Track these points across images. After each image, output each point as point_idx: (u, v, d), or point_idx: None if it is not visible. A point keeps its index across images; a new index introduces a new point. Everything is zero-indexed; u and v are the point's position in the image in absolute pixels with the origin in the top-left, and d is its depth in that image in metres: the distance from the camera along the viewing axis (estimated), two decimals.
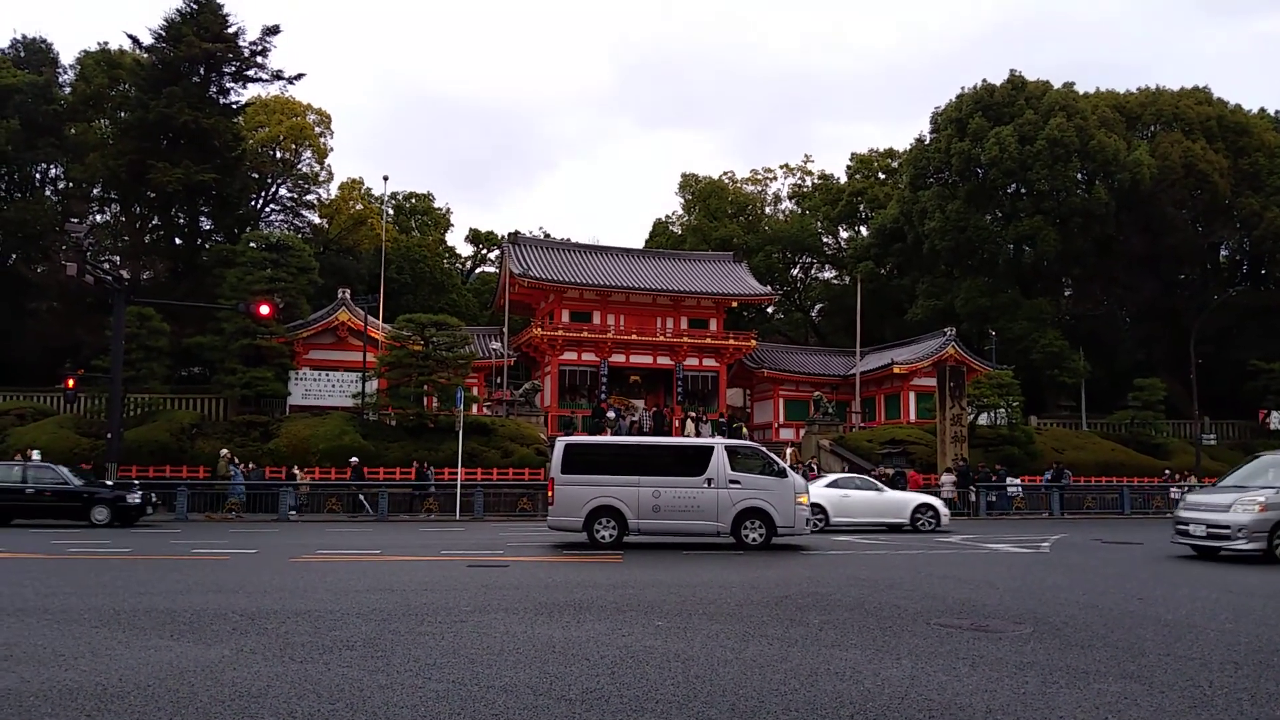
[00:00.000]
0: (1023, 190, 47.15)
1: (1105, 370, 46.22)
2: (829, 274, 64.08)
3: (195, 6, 40.91)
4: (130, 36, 44.74)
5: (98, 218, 44.26)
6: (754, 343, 46.51)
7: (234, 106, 43.41)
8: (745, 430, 41.03)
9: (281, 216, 49.62)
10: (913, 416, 43.16)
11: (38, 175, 45.72)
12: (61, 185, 45.85)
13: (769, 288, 51.85)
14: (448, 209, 64.03)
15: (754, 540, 16.55)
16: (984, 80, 49.01)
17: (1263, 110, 53.05)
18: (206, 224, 44.86)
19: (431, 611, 8.91)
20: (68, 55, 48.19)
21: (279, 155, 49.77)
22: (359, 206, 53.86)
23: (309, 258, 36.86)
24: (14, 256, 43.19)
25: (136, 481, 25.97)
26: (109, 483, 24.64)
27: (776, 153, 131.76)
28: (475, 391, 38.72)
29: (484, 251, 67.16)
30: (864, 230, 59.98)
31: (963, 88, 50.28)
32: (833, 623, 8.44)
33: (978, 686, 5.96)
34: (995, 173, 45.92)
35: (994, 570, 13.34)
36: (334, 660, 6.63)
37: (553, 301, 44.42)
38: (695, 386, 45.32)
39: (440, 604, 9.45)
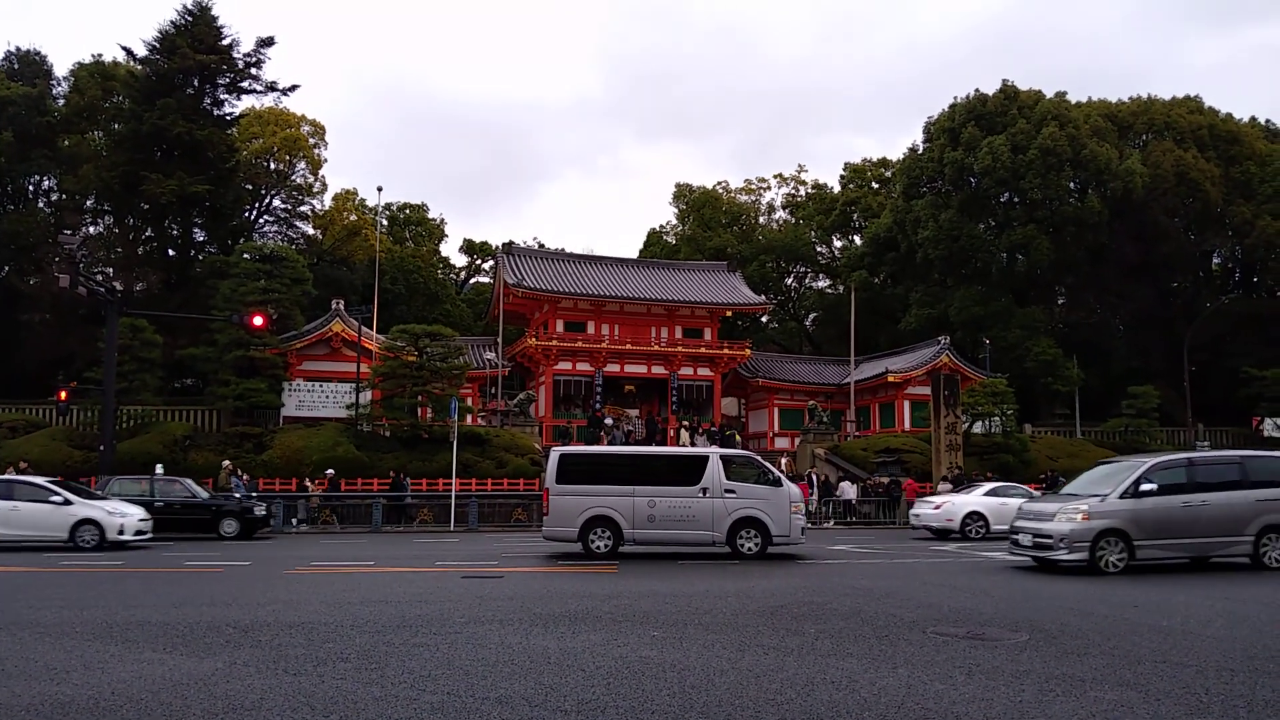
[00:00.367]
0: (1016, 199, 47.34)
1: (1099, 378, 46.33)
2: (823, 283, 64.23)
3: (189, 18, 40.98)
4: (124, 48, 44.91)
5: (91, 229, 44.19)
6: (748, 352, 46.53)
7: (228, 118, 43.45)
8: (738, 438, 40.99)
9: (275, 228, 49.63)
10: (907, 425, 43.19)
11: (31, 187, 45.66)
12: (55, 197, 45.79)
13: (763, 297, 51.92)
14: (442, 220, 64.17)
15: (750, 550, 16.52)
16: (976, 90, 49.34)
17: (1253, 119, 53.40)
18: (200, 235, 44.85)
19: (426, 623, 8.87)
20: (62, 67, 48.39)
21: (273, 166, 49.78)
22: (353, 217, 53.87)
23: (303, 269, 36.82)
24: (7, 268, 43.07)
25: (254, 495, 26.29)
26: (237, 495, 25.21)
27: (771, 163, 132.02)
28: (470, 402, 38.67)
29: (478, 262, 67.23)
30: (858, 239, 60.15)
31: (955, 98, 50.54)
32: (829, 632, 8.43)
33: (974, 695, 5.95)
34: (988, 182, 46.10)
35: (990, 578, 13.33)
36: (328, 672, 6.59)
37: (547, 311, 44.42)
38: (690, 396, 45.31)
39: (435, 615, 9.42)
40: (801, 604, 10.38)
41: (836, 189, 63.52)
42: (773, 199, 66.68)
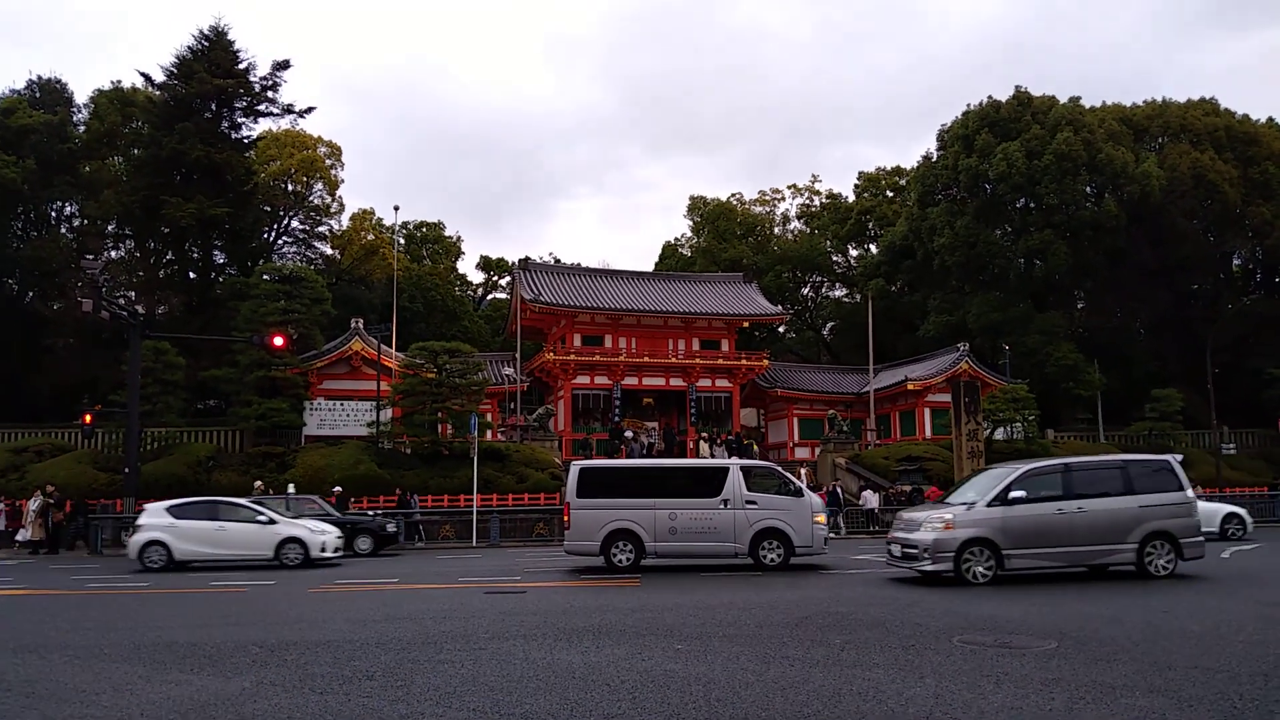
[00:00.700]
0: (1032, 205, 47.10)
1: (1121, 382, 45.91)
2: (839, 292, 64.06)
3: (206, 43, 41.49)
4: (143, 74, 45.38)
5: (113, 254, 44.64)
6: (766, 362, 46.44)
7: (246, 141, 43.88)
8: (755, 448, 40.82)
9: (294, 248, 49.97)
10: (928, 433, 42.95)
11: (53, 213, 46.26)
12: (77, 222, 46.35)
13: (780, 307, 51.80)
14: (458, 237, 64.42)
15: (772, 561, 16.46)
16: (990, 97, 49.13)
17: (1271, 119, 52.88)
18: (220, 258, 45.24)
19: (450, 639, 8.89)
20: (82, 94, 48.80)
21: (291, 188, 50.21)
22: (370, 237, 54.21)
23: (322, 288, 37.09)
24: (30, 294, 43.61)
25: (372, 513, 26.79)
26: (370, 514, 25.81)
27: (784, 174, 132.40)
28: (489, 417, 38.75)
29: (495, 278, 67.48)
30: (873, 248, 59.99)
31: (969, 105, 50.37)
32: (854, 642, 8.38)
33: (1003, 704, 5.90)
34: (1003, 188, 45.90)
35: (1016, 585, 13.21)
36: (354, 691, 6.62)
37: (564, 326, 44.52)
38: (709, 407, 45.25)
39: (459, 631, 9.43)
40: (826, 614, 10.33)
41: (851, 198, 63.40)
42: (787, 209, 66.66)
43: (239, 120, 43.10)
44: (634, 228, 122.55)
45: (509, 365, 43.26)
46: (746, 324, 49.02)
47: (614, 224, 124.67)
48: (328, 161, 51.35)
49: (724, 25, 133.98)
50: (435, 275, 57.92)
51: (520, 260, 47.61)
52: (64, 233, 45.61)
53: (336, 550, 20.15)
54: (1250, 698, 6.04)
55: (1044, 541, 13.41)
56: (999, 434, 38.15)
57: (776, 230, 66.27)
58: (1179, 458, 14.81)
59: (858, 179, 63.57)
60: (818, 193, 65.54)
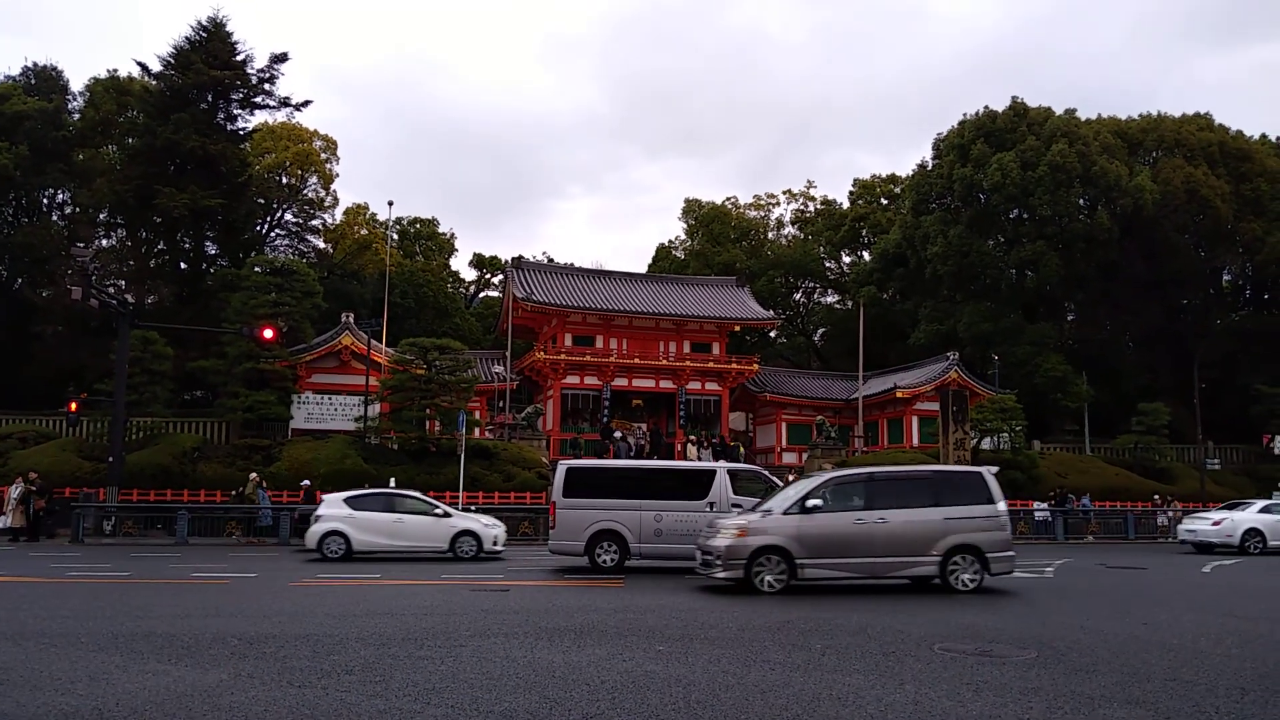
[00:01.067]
0: (1025, 215, 47.29)
1: (1109, 395, 46.11)
2: (831, 298, 64.19)
3: (204, 34, 41.34)
4: (139, 64, 45.30)
5: (104, 242, 44.49)
6: (756, 367, 46.48)
7: (241, 133, 43.73)
8: (742, 451, 40.82)
9: (286, 241, 49.84)
10: (916, 441, 43.03)
11: (45, 200, 46.04)
12: (69, 210, 46.14)
13: (771, 312, 51.87)
14: (452, 234, 64.32)
15: None
16: (986, 107, 49.35)
17: (1264, 136, 53.26)
18: (212, 249, 45.09)
19: (431, 636, 8.86)
20: (77, 82, 48.70)
21: (285, 181, 50.07)
22: (364, 231, 54.11)
23: (313, 282, 36.97)
24: (20, 281, 43.40)
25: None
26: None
27: (779, 179, 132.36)
28: (477, 415, 38.69)
29: (487, 276, 67.39)
30: (866, 255, 60.13)
31: (965, 114, 50.57)
32: (835, 648, 8.38)
33: (982, 712, 5.91)
34: (997, 198, 46.08)
35: (998, 595, 13.24)
36: (332, 685, 6.59)
37: (555, 325, 44.49)
38: (698, 410, 45.26)
39: (440, 628, 9.41)
40: (808, 619, 10.33)
41: (845, 205, 63.56)
42: (781, 214, 66.78)
43: (235, 112, 42.99)
44: (628, 229, 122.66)
45: (499, 363, 43.20)
46: (738, 328, 49.07)
47: (608, 225, 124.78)
48: (323, 155, 51.26)
49: (721, 28, 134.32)
50: (428, 271, 57.83)
51: (513, 258, 47.57)
52: (55, 220, 45.40)
53: (504, 544, 20.66)
54: (1227, 711, 6.06)
55: (841, 551, 13.09)
56: (986, 444, 38.25)
57: (770, 235, 66.40)
58: (994, 469, 14.33)
59: (853, 186, 63.80)
60: (812, 198, 65.73)
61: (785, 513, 13.19)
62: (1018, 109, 48.36)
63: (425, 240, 62.41)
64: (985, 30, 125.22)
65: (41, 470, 27.57)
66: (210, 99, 41.75)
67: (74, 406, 29.35)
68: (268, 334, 28.90)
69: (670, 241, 68.80)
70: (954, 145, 48.87)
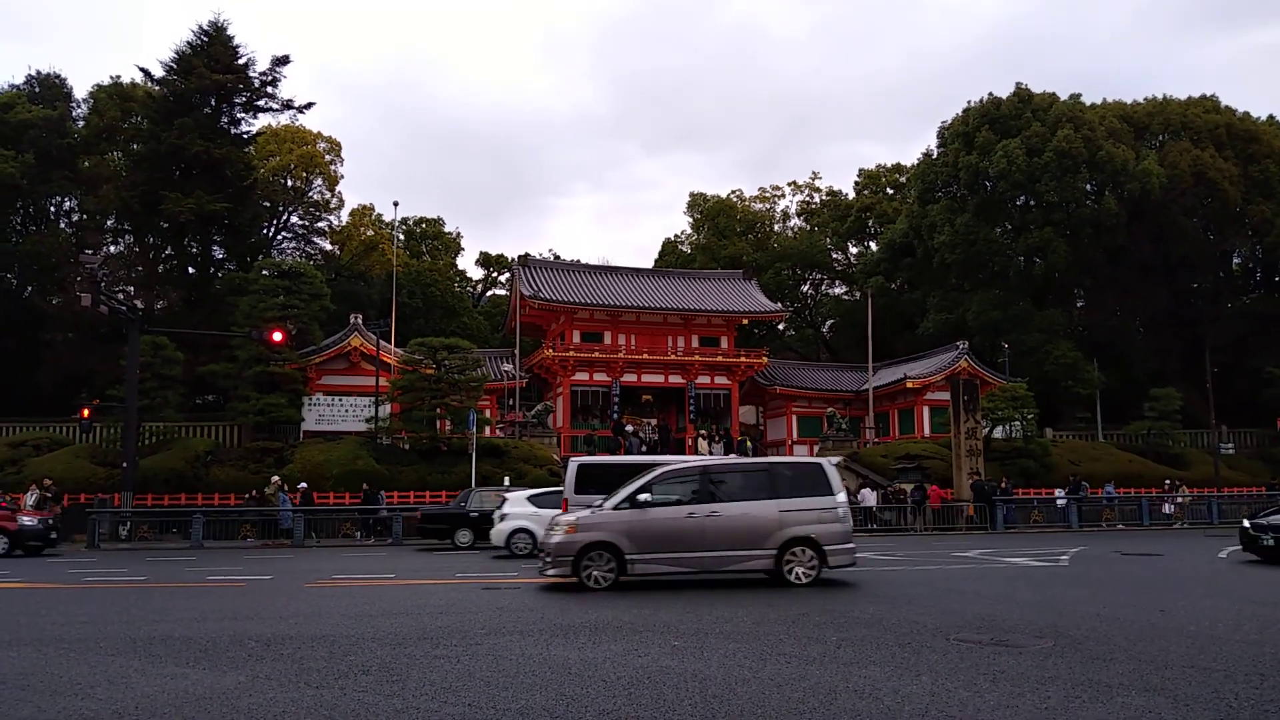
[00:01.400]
0: (1032, 202, 47.09)
1: (1120, 381, 45.92)
2: (839, 290, 64.05)
3: (206, 39, 41.45)
4: (142, 69, 45.35)
5: (111, 249, 44.64)
6: (765, 360, 46.43)
7: (245, 136, 43.86)
8: (750, 444, 40.79)
9: (293, 244, 49.98)
10: (927, 431, 42.95)
11: (52, 208, 46.23)
12: (76, 217, 46.33)
13: (779, 305, 51.79)
14: (458, 233, 64.39)
15: None
16: (990, 94, 49.12)
17: (1271, 117, 52.89)
18: (219, 253, 45.24)
19: (446, 635, 8.88)
20: (81, 89, 48.72)
21: (290, 183, 50.16)
22: (370, 232, 54.17)
23: (321, 284, 37.07)
24: (30, 289, 43.60)
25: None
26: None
27: (783, 172, 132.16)
28: (488, 414, 38.74)
29: (494, 274, 67.45)
30: (873, 245, 59.99)
31: (969, 102, 50.36)
32: (851, 640, 8.37)
33: (999, 702, 5.89)
34: (1004, 185, 45.89)
35: (1013, 584, 13.21)
36: (349, 685, 6.60)
37: (563, 322, 44.50)
38: (707, 405, 45.24)
39: (455, 627, 9.42)
40: (823, 612, 10.32)
41: (851, 195, 63.37)
42: (787, 206, 66.64)
43: (238, 116, 43.16)
44: (632, 225, 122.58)
45: (508, 361, 43.26)
46: (746, 321, 49.01)
47: (612, 221, 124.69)
48: (327, 157, 51.28)
49: (718, 24, 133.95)
50: (435, 271, 57.88)
51: (520, 256, 47.63)
52: (63, 228, 45.61)
53: None
54: (1246, 697, 6.03)
55: (672, 546, 12.82)
56: (998, 432, 38.16)
57: (776, 227, 66.24)
58: (834, 460, 14.12)
59: (858, 176, 63.62)
60: (818, 190, 65.54)
61: (616, 508, 12.99)
62: (1022, 95, 48.14)
63: (431, 240, 62.47)
64: (986, 18, 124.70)
65: (56, 477, 27.78)
66: (214, 103, 41.87)
67: (86, 413, 29.49)
68: (277, 337, 29.00)
69: (676, 236, 68.78)
70: (959, 133, 48.67)
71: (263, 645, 8.38)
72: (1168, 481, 36.85)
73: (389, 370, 35.36)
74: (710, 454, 35.67)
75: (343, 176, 52.71)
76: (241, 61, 41.91)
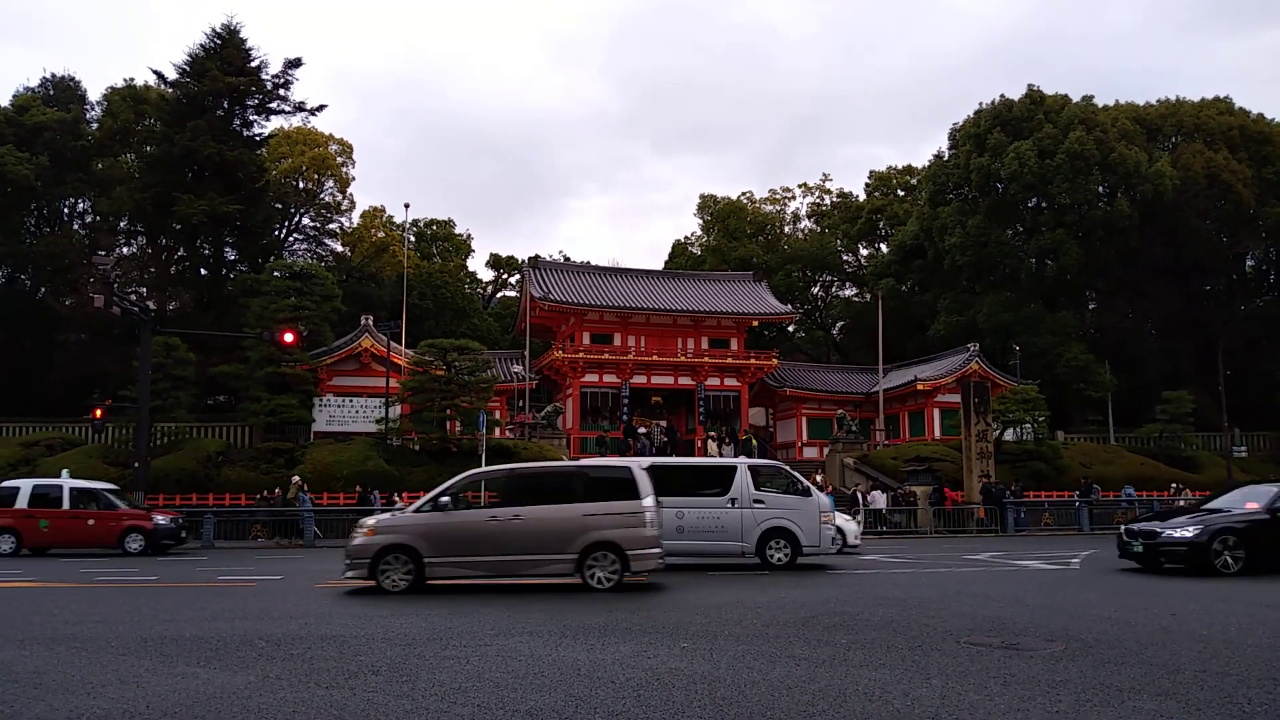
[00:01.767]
0: (1043, 204, 46.92)
1: (1132, 383, 45.69)
2: (850, 291, 63.92)
3: (218, 41, 41.67)
4: (155, 72, 45.72)
5: (124, 250, 44.92)
6: (775, 362, 46.37)
7: (257, 138, 44.07)
8: (754, 443, 40.65)
9: (305, 245, 50.21)
10: (937, 433, 42.81)
11: (66, 209, 46.54)
12: (89, 219, 46.63)
13: (789, 306, 51.74)
14: (468, 235, 64.57)
15: (779, 560, 16.43)
16: (1002, 95, 48.97)
17: None
18: (231, 254, 45.46)
19: (455, 635, 8.89)
20: (95, 92, 49.07)
21: (302, 185, 50.40)
22: (381, 234, 54.36)
23: (332, 285, 37.20)
24: (43, 289, 43.90)
25: None
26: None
27: (794, 174, 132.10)
28: (497, 415, 38.82)
29: (504, 276, 67.57)
30: (884, 247, 59.84)
31: (980, 103, 50.24)
32: (861, 643, 8.34)
33: (1010, 706, 5.87)
34: (1015, 187, 45.73)
35: (1024, 588, 13.15)
36: (359, 685, 6.62)
37: (573, 324, 44.55)
38: (717, 406, 45.21)
39: (464, 627, 9.43)
40: (832, 614, 10.29)
41: (862, 197, 63.26)
42: (798, 208, 66.55)
43: (251, 118, 43.38)
44: (642, 226, 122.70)
45: (518, 363, 43.32)
46: (756, 323, 48.99)
47: (622, 222, 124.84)
48: (339, 159, 51.55)
49: (728, 23, 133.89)
50: (445, 273, 58.04)
51: (530, 258, 47.67)
52: (76, 229, 45.90)
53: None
54: (1259, 702, 5.99)
55: (472, 550, 12.69)
56: (1009, 435, 38.02)
57: (787, 229, 66.17)
58: (644, 463, 13.71)
59: (869, 178, 63.50)
60: (828, 191, 65.45)
61: (418, 510, 12.93)
62: (1034, 97, 47.97)
63: (442, 241, 62.63)
64: (997, 18, 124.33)
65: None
66: (226, 105, 42.09)
67: (99, 413, 29.66)
68: (288, 338, 29.09)
69: (686, 237, 68.81)
70: (970, 135, 48.54)
71: (273, 645, 8.41)
72: (1173, 486, 36.66)
73: (399, 371, 35.45)
74: (721, 456, 35.64)
75: (354, 178, 53.10)
76: (254, 64, 42.14)
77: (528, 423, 39.22)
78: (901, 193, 61.81)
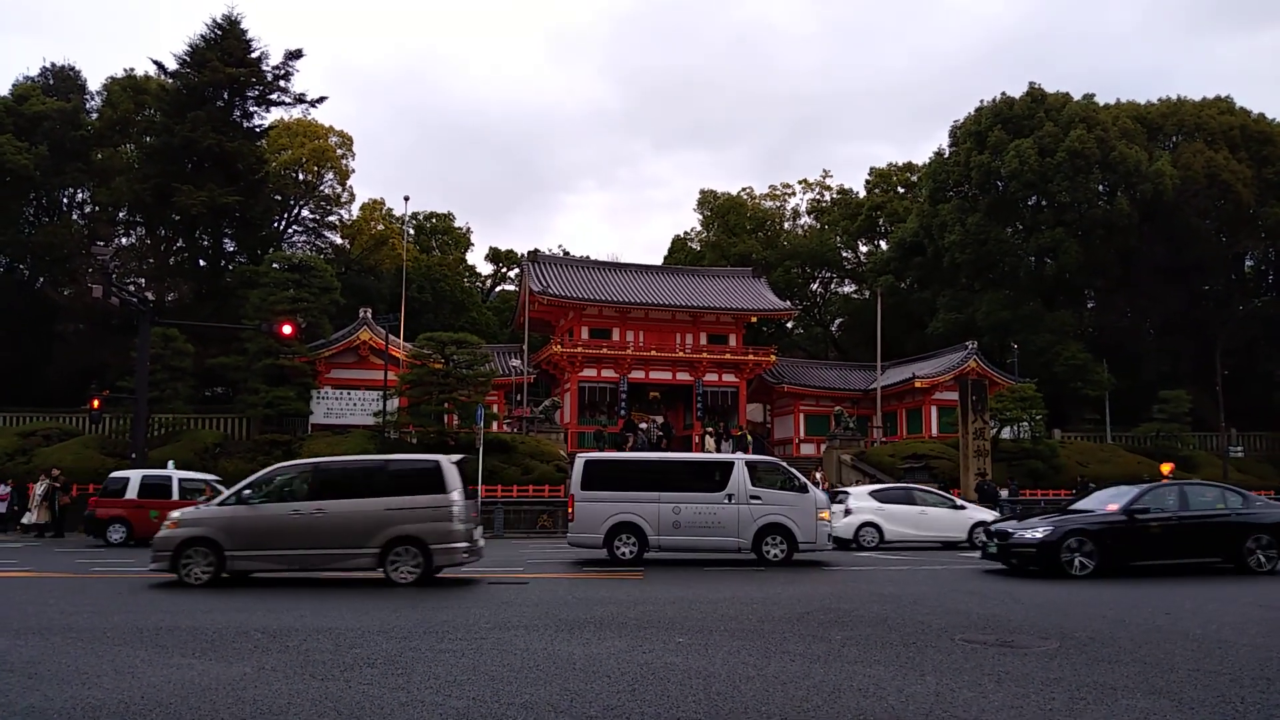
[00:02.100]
0: (1043, 202, 46.88)
1: (1129, 382, 45.70)
2: (849, 288, 63.88)
3: (219, 32, 41.55)
4: (155, 63, 45.55)
5: (123, 241, 44.83)
6: (773, 358, 46.37)
7: (257, 130, 43.95)
8: (749, 438, 40.62)
9: (304, 237, 50.09)
10: (934, 431, 42.84)
11: (65, 200, 46.42)
12: (88, 209, 46.51)
13: (788, 303, 51.73)
14: (468, 228, 64.46)
15: (775, 556, 16.45)
16: (1003, 93, 48.88)
17: None
18: (230, 246, 45.38)
19: (452, 628, 8.90)
20: (95, 82, 48.99)
21: (301, 177, 50.30)
22: (380, 227, 54.29)
23: (331, 278, 37.15)
24: (42, 280, 43.80)
25: None
26: None
27: (793, 170, 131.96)
28: (495, 409, 38.78)
29: (504, 270, 67.51)
30: (883, 244, 59.79)
31: (981, 101, 50.11)
32: (856, 639, 8.36)
33: (1004, 703, 5.88)
34: (1015, 185, 45.69)
35: (1018, 586, 13.17)
36: (355, 678, 6.63)
37: (572, 319, 44.52)
38: (715, 402, 45.21)
39: (460, 621, 9.45)
40: (828, 610, 10.32)
41: (861, 194, 63.18)
42: (797, 205, 66.44)
43: (251, 109, 43.25)
44: (641, 222, 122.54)
45: (516, 357, 43.31)
46: (754, 319, 48.96)
47: (621, 218, 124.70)
48: (339, 151, 51.47)
49: (728, 21, 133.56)
50: (444, 266, 57.97)
51: (529, 252, 47.62)
52: (75, 219, 45.79)
53: None
54: (1252, 701, 6.01)
55: (275, 543, 12.72)
56: (1006, 433, 38.03)
57: (786, 225, 66.09)
58: (454, 458, 13.65)
59: (869, 175, 63.44)
60: (828, 188, 65.34)
61: (222, 503, 12.99)
62: (1035, 95, 47.91)
63: (441, 235, 62.55)
64: (997, 18, 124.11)
65: (65, 467, 27.90)
66: (226, 97, 41.98)
67: (96, 404, 29.63)
68: (287, 330, 29.03)
69: (686, 233, 68.65)
70: (971, 132, 48.48)
71: (268, 637, 8.42)
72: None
73: (397, 364, 35.43)
74: (719, 451, 35.65)
75: (354, 171, 52.99)
76: (254, 55, 42.00)
77: (525, 417, 39.21)
78: (901, 190, 61.75)
